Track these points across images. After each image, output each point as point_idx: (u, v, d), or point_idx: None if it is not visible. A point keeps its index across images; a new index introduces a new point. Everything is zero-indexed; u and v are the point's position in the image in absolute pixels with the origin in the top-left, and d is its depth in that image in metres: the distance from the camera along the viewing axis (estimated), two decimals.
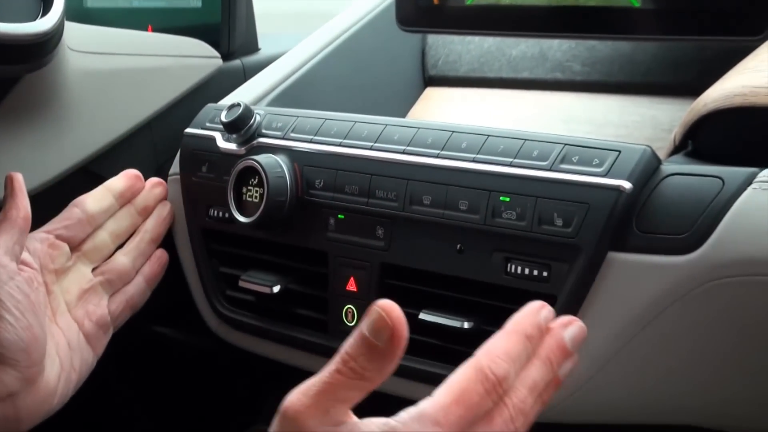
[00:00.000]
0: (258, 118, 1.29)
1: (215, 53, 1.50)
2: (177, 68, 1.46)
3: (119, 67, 1.40)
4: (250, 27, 1.50)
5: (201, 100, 1.44)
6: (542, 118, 1.35)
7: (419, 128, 1.17)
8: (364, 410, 1.23)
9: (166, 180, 1.41)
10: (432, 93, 1.49)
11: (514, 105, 1.39)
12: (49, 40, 1.22)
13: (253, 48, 1.51)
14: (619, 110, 1.31)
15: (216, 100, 1.45)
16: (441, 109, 1.45)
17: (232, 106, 1.28)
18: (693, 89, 1.23)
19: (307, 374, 1.19)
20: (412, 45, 1.49)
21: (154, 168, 1.48)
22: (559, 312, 0.94)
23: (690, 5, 1.13)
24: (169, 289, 1.43)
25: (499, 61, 1.43)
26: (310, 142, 1.23)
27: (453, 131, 1.14)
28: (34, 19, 1.20)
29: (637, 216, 0.98)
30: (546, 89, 1.39)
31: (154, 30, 1.54)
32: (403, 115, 1.48)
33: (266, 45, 1.54)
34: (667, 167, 1.00)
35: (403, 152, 1.15)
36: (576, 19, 1.22)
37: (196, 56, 1.48)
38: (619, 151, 1.01)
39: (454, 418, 0.78)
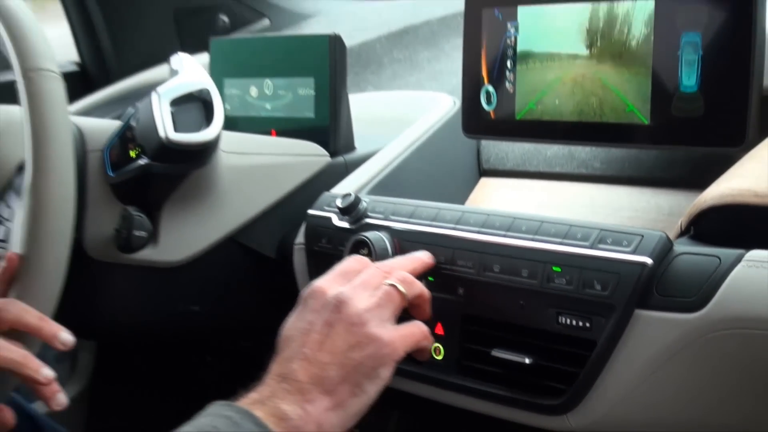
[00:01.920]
0: (364, 203, 1.32)
1: (324, 152, 1.52)
2: (296, 164, 1.49)
3: (255, 164, 1.44)
4: (349, 131, 1.54)
5: (314, 186, 1.48)
6: (572, 204, 1.33)
7: (489, 215, 1.19)
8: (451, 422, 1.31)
9: (292, 248, 1.45)
10: (486, 182, 1.49)
11: (549, 193, 1.39)
12: (212, 146, 1.30)
13: (351, 147, 1.54)
14: (629, 198, 1.32)
15: (325, 188, 1.47)
16: (493, 195, 1.46)
17: (345, 195, 1.31)
18: (686, 183, 1.30)
19: (403, 394, 1.28)
20: (470, 145, 1.54)
21: (280, 238, 1.51)
22: (598, 353, 1.05)
23: (684, 123, 1.18)
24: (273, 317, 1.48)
25: (537, 159, 1.46)
26: (406, 222, 1.26)
27: (515, 218, 1.16)
28: (201, 130, 1.28)
29: (657, 283, 1.01)
30: (573, 181, 1.40)
31: (278, 134, 1.56)
32: (465, 199, 1.49)
33: (360, 145, 1.59)
34: (678, 248, 1.03)
35: (478, 232, 1.18)
36: (597, 132, 1.29)
37: (310, 155, 1.51)
38: (642, 236, 1.04)
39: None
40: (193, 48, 2.06)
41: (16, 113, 1.36)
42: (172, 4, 2.10)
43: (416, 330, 1.01)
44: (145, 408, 2.13)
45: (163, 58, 1.89)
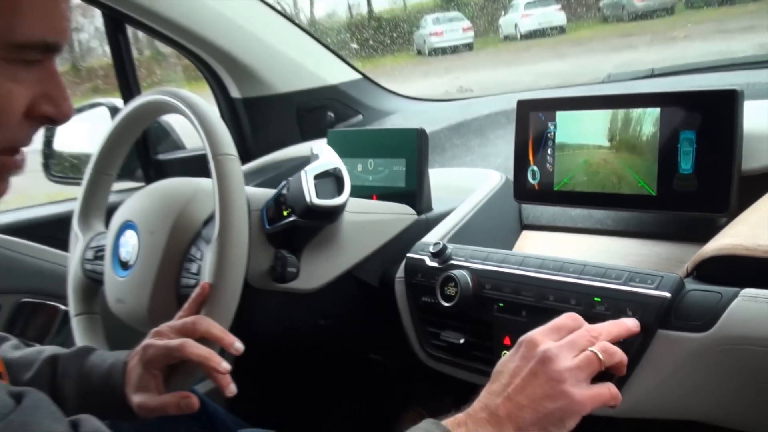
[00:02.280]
0: (449, 249, 1.34)
1: (412, 211, 1.53)
2: (393, 220, 1.49)
3: (365, 220, 1.45)
4: (429, 196, 1.56)
5: (405, 235, 1.51)
6: (592, 251, 1.36)
7: (544, 259, 1.22)
8: None
9: (393, 280, 1.46)
10: (526, 234, 1.50)
11: (574, 242, 1.40)
12: (342, 208, 1.33)
13: (430, 208, 1.56)
14: (635, 248, 1.31)
15: (413, 236, 1.49)
16: (533, 243, 1.48)
17: (436, 244, 1.33)
18: (677, 237, 1.31)
19: (458, 381, 1.35)
20: (515, 206, 1.56)
21: (381, 272, 1.51)
22: (629, 361, 1.06)
23: (682, 196, 1.23)
24: (387, 335, 1.51)
25: (564, 217, 1.48)
26: (482, 264, 1.28)
27: (564, 262, 1.19)
28: (335, 197, 1.32)
29: (674, 311, 1.04)
30: (592, 234, 1.43)
31: (378, 198, 1.58)
32: (512, 246, 1.48)
33: (435, 206, 1.60)
34: (688, 285, 1.06)
35: (537, 271, 1.21)
36: (616, 200, 1.33)
37: (403, 213, 1.51)
38: (662, 276, 1.07)
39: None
40: (309, 136, 2.11)
41: (202, 183, 1.40)
42: (295, 105, 2.12)
43: (605, 392, 0.97)
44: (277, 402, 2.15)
45: (287, 143, 1.93)
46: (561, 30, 11.30)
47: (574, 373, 0.95)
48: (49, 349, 1.28)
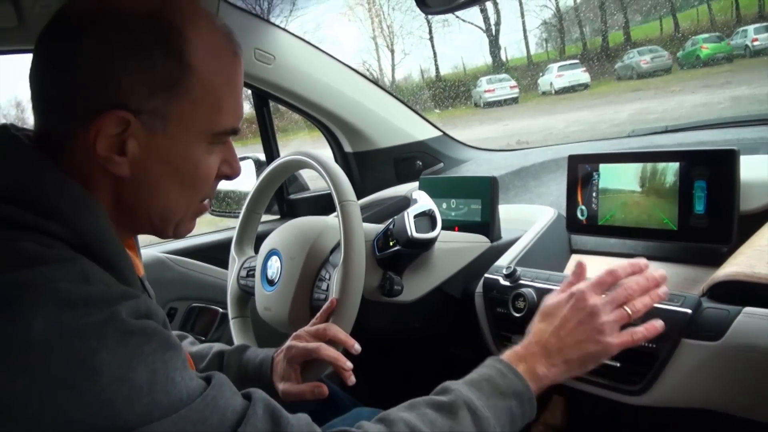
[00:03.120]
0: (518, 271, 1.36)
1: (487, 239, 1.54)
2: (471, 247, 1.52)
3: (450, 247, 1.48)
4: (499, 228, 1.57)
5: (481, 257, 1.52)
6: None
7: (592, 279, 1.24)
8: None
9: (473, 293, 1.46)
10: (575, 257, 1.52)
11: (614, 264, 1.45)
12: (435, 240, 1.35)
13: (500, 237, 1.57)
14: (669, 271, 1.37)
15: (486, 261, 1.50)
16: None
17: (508, 267, 1.37)
18: (694, 261, 1.32)
19: None
20: (565, 235, 1.56)
21: (463, 287, 1.51)
22: (659, 362, 1.10)
23: (696, 230, 1.27)
24: (467, 335, 1.50)
25: (604, 245, 1.49)
26: (544, 283, 1.31)
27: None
28: (429, 232, 1.33)
29: (694, 324, 1.07)
30: (627, 258, 1.44)
31: (459, 230, 1.62)
32: (563, 268, 1.52)
33: (504, 235, 1.60)
34: (704, 304, 1.09)
35: None
36: (646, 233, 1.36)
37: (479, 241, 1.54)
38: (685, 296, 1.11)
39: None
40: (403, 179, 2.13)
41: (328, 220, 1.49)
42: (392, 156, 2.16)
43: (629, 338, 1.01)
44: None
45: (387, 185, 1.95)
46: (585, 87, 11.23)
47: (611, 325, 1.01)
48: (216, 346, 1.36)
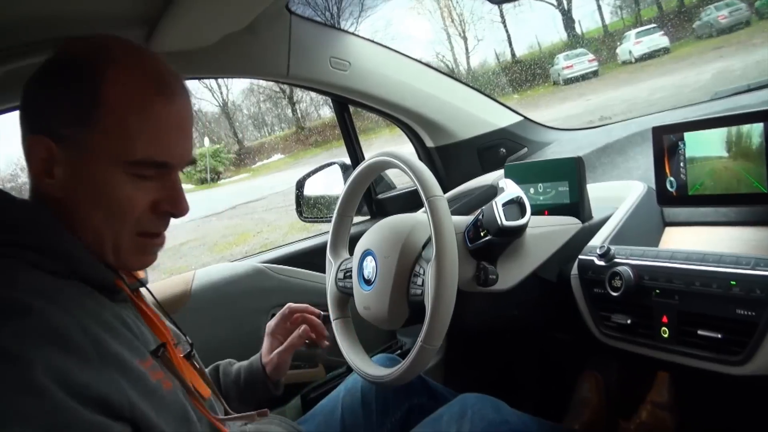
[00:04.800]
0: (612, 250, 1.36)
1: (578, 221, 1.52)
2: (563, 230, 1.50)
3: (542, 232, 1.47)
4: (589, 207, 1.56)
5: (573, 240, 1.49)
6: (723, 239, 1.37)
7: (689, 253, 1.23)
8: None
9: (568, 276, 1.46)
10: (669, 230, 1.50)
11: (708, 233, 1.40)
12: (525, 227, 1.35)
13: (590, 216, 1.56)
14: (754, 234, 1.24)
15: (579, 242, 1.49)
16: (676, 238, 1.48)
17: (601, 247, 1.37)
18: None
19: (622, 351, 1.36)
20: (657, 209, 1.54)
21: (558, 270, 1.52)
22: (759, 330, 1.08)
23: None
24: (566, 319, 1.51)
25: (698, 214, 1.46)
26: (640, 260, 1.30)
27: (705, 253, 1.20)
28: (518, 219, 1.34)
29: None
30: (720, 225, 1.40)
31: (549, 214, 1.61)
32: (659, 242, 1.49)
33: (595, 214, 1.58)
34: None
35: (683, 263, 1.22)
36: (736, 199, 1.33)
37: (570, 223, 1.51)
38: None
39: None
40: (488, 169, 2.13)
41: (418, 216, 1.51)
42: (475, 147, 2.17)
43: None
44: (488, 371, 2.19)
45: (472, 175, 1.96)
46: (666, 51, 10.87)
47: None
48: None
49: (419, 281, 1.37)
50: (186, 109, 0.96)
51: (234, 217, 11.19)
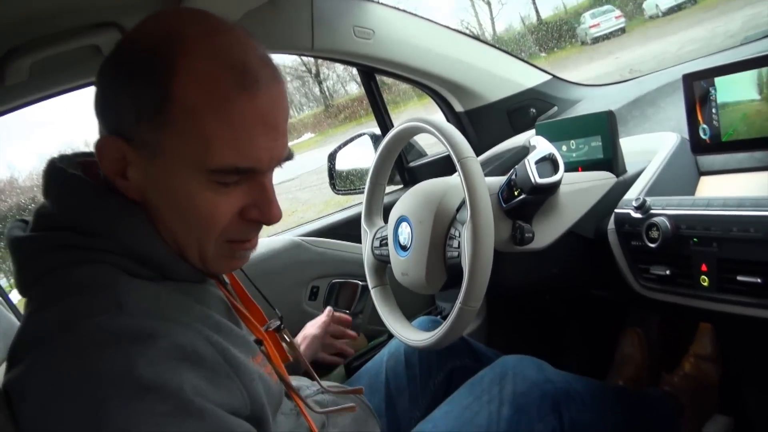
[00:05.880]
0: (648, 201, 1.34)
1: (612, 175, 1.50)
2: (597, 185, 1.47)
3: (577, 188, 1.46)
4: (623, 161, 1.54)
5: (609, 195, 1.47)
6: (753, 184, 1.35)
7: (726, 199, 1.22)
8: None
9: (605, 231, 1.45)
10: (704, 179, 1.48)
11: (744, 179, 1.37)
12: (558, 184, 1.34)
13: (625, 170, 1.54)
14: None
15: (615, 197, 1.47)
16: (712, 186, 1.46)
17: (637, 199, 1.36)
18: None
19: (663, 303, 1.35)
20: (692, 158, 1.51)
21: (596, 226, 1.51)
22: None
23: None
24: (605, 274, 1.51)
25: (733, 160, 1.44)
26: (677, 210, 1.28)
27: (741, 199, 1.18)
28: (552, 176, 1.33)
29: None
30: (757, 171, 1.38)
31: (583, 170, 1.59)
32: (695, 191, 1.47)
33: (629, 168, 1.57)
34: None
35: (720, 209, 1.20)
36: None
37: (605, 178, 1.49)
38: None
39: None
40: (519, 129, 2.12)
41: (450, 180, 1.52)
42: (504, 109, 2.16)
43: None
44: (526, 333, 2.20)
45: (503, 137, 1.95)
46: (694, 1, 10.63)
47: None
48: None
49: (455, 243, 1.38)
50: (277, 101, 0.82)
51: None
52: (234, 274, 1.13)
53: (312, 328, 1.72)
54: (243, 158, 0.81)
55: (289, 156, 0.89)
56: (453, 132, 1.33)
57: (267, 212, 0.86)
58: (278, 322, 1.18)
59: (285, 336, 1.22)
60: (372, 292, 1.66)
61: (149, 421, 0.65)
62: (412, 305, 1.68)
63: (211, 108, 0.77)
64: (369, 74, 2.17)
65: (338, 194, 2.24)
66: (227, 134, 0.78)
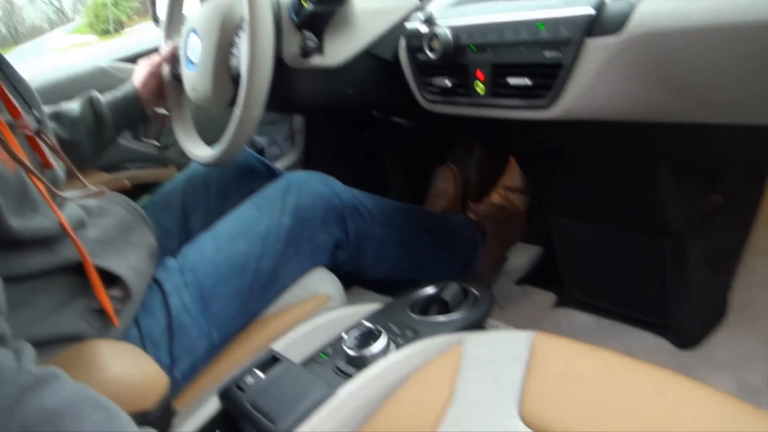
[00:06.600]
0: (434, 15, 1.29)
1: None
2: (401, 6, 1.43)
3: (374, 8, 1.42)
4: None
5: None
6: None
7: (505, 2, 1.20)
8: None
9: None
10: None
11: None
12: None
13: None
14: None
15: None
16: None
17: (424, 11, 1.31)
18: None
19: (465, 119, 1.27)
20: None
21: (394, 48, 1.44)
22: (564, 69, 1.04)
23: None
24: (401, 99, 1.47)
25: None
26: (458, 20, 1.24)
27: (519, 2, 1.18)
28: None
29: (598, 22, 1.02)
30: None
31: None
32: None
33: None
34: (607, 1, 1.04)
35: (495, 15, 1.17)
36: None
37: (408, 1, 1.44)
38: None
39: None
40: None
41: None
42: None
43: None
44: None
45: None
46: None
47: None
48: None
49: (236, 51, 1.32)
50: None
51: None
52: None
53: (144, 66, 1.59)
54: None
55: None
56: None
57: None
58: (36, 125, 1.10)
59: (45, 139, 1.14)
60: (171, 113, 1.59)
61: None
62: (210, 128, 1.63)
63: None
64: None
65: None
66: None
